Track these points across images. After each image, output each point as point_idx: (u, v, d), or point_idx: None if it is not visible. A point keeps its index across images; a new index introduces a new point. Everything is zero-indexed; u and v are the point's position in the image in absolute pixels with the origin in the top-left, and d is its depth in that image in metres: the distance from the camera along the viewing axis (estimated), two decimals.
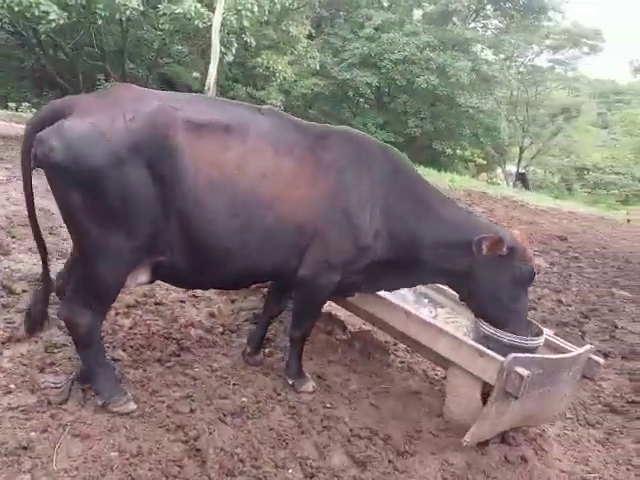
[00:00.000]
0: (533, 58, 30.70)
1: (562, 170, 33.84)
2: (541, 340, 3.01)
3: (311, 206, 2.79)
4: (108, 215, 2.34)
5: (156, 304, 3.89)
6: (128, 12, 13.28)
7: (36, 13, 12.60)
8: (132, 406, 2.64)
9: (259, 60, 17.02)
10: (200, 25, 13.57)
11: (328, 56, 22.14)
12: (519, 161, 33.19)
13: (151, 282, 2.79)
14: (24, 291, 3.66)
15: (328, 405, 3.06)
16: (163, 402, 2.76)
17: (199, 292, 4.24)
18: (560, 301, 6.42)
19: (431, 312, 3.84)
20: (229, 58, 15.07)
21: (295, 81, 20.03)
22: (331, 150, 2.90)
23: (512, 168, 33.81)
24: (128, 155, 2.28)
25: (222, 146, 2.57)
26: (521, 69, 30.72)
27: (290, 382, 3.18)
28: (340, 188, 2.85)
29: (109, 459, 2.28)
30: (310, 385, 3.19)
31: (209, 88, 12.48)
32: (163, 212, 2.42)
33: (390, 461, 2.68)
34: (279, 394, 3.04)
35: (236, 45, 15.06)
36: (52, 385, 2.66)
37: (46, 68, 16.90)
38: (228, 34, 14.49)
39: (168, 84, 19.28)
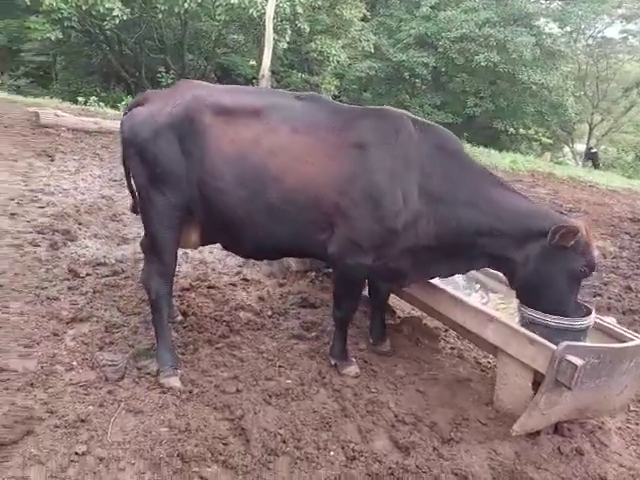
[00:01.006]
0: (603, 29, 28.57)
1: (636, 148, 31.53)
2: (589, 320, 2.83)
3: (327, 183, 2.79)
4: (154, 178, 2.82)
5: (209, 287, 4.03)
6: (186, 5, 13.65)
7: (101, 10, 13.24)
8: (176, 383, 2.79)
9: (313, 45, 16.95)
10: (254, 14, 13.73)
11: (383, 38, 21.66)
12: (588, 139, 31.19)
13: (202, 245, 3.23)
14: (88, 275, 3.89)
15: (373, 390, 3.05)
16: (211, 382, 2.86)
17: (249, 276, 4.34)
18: (629, 287, 6.01)
19: (483, 298, 3.72)
20: (283, 45, 15.12)
21: (349, 65, 19.79)
22: (357, 129, 2.88)
23: (581, 147, 31.88)
24: (166, 132, 2.76)
25: (244, 127, 2.80)
26: (590, 42, 28.71)
27: (333, 363, 3.21)
28: (362, 167, 2.80)
29: (159, 434, 2.40)
30: (353, 369, 3.20)
31: (263, 75, 12.57)
32: (187, 180, 2.81)
33: (435, 448, 2.64)
34: (324, 377, 3.07)
35: (290, 32, 15.08)
36: (110, 363, 2.82)
37: (112, 63, 17.64)
38: (281, 21, 14.53)
39: (226, 73, 19.66)
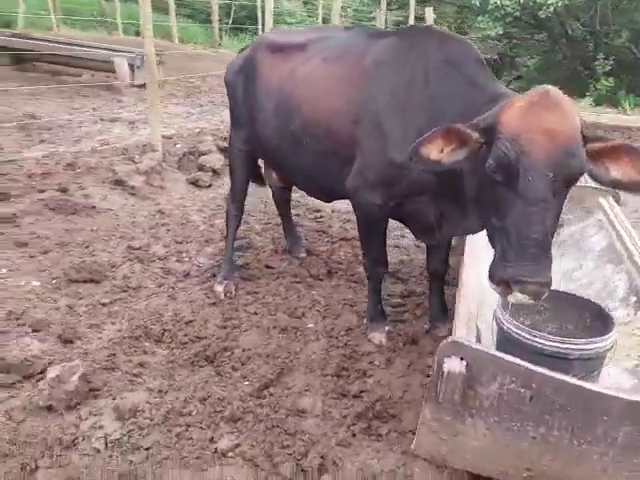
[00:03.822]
0: None
1: None
2: (605, 343, 1.59)
3: (342, 111, 2.58)
4: (231, 115, 3.38)
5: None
6: None
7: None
8: (218, 288, 3.33)
9: None
10: None
11: None
12: None
13: (284, 184, 3.76)
14: None
15: None
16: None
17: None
18: None
19: None
20: None
21: None
22: (375, 51, 2.56)
23: None
24: (238, 74, 3.23)
25: (287, 60, 2.93)
26: None
27: (365, 322, 2.98)
28: (373, 89, 2.48)
29: (160, 315, 3.12)
30: (378, 337, 2.87)
31: None
32: (248, 115, 3.14)
33: None
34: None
35: None
36: (198, 263, 3.69)
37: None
38: None
39: None
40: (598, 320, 1.98)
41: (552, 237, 1.75)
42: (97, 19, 16.59)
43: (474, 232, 2.47)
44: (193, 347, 2.77)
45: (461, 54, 2.29)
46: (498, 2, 12.89)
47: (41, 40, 10.45)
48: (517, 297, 1.69)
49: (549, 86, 1.75)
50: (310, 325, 3.09)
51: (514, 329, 1.83)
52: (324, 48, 2.81)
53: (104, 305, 3.10)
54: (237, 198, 3.51)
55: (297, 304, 3.29)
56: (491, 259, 1.83)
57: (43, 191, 4.36)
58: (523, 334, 1.80)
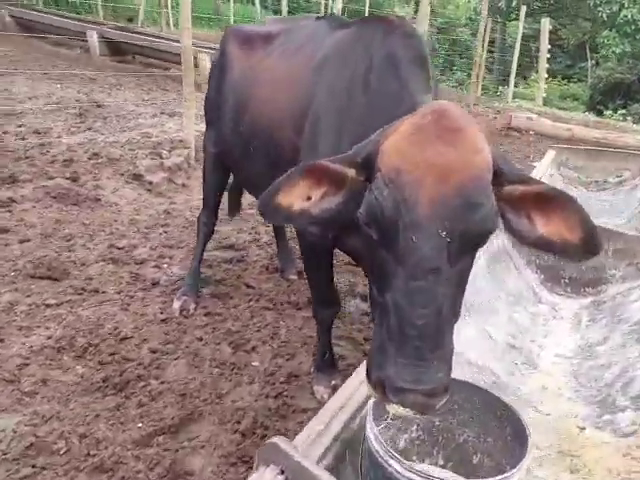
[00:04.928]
0: None
1: None
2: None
3: (286, 117, 2.15)
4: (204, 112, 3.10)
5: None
6: None
7: None
8: (175, 305, 3.04)
9: None
10: None
11: None
12: None
13: None
14: None
15: None
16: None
17: None
18: None
19: None
20: None
21: None
22: (328, 43, 2.13)
23: None
24: (214, 69, 2.94)
25: (249, 53, 2.64)
26: None
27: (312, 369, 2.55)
28: (315, 92, 2.03)
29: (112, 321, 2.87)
30: (322, 391, 2.44)
31: None
32: (216, 111, 2.83)
33: None
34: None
35: None
36: (170, 273, 3.42)
37: None
38: None
39: None
40: (516, 440, 1.39)
41: (453, 319, 1.21)
42: (212, 17, 17.38)
43: None
44: (109, 370, 2.48)
45: (402, 49, 1.76)
46: (629, 16, 11.51)
47: (142, 34, 11.13)
48: (395, 409, 1.17)
49: (445, 102, 1.23)
50: (255, 363, 2.69)
51: (382, 454, 1.28)
52: (286, 41, 2.44)
53: (48, 306, 2.92)
54: (207, 205, 3.18)
55: (253, 335, 2.91)
56: None
57: (53, 178, 4.35)
58: (394, 466, 1.25)
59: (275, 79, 2.31)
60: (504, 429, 1.44)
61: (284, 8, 15.14)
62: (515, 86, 14.03)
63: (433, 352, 1.14)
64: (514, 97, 13.35)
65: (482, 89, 14.25)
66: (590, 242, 1.19)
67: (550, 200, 1.20)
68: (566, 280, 3.19)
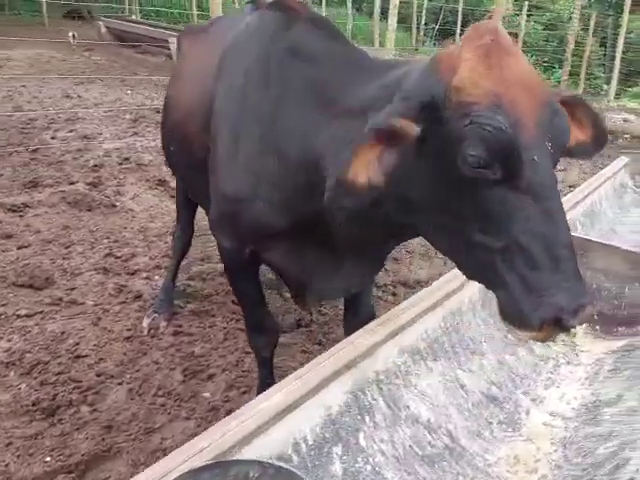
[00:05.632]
0: None
1: None
2: None
3: (196, 115, 1.94)
4: None
5: None
6: None
7: None
8: (144, 324, 2.88)
9: None
10: None
11: None
12: None
13: None
14: None
15: None
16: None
17: None
18: None
19: None
20: None
21: None
22: (238, 30, 1.87)
23: None
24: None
25: (190, 49, 2.49)
26: None
27: None
28: (218, 87, 1.79)
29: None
30: None
31: None
32: None
33: None
34: None
35: None
36: (154, 285, 3.27)
37: None
38: None
39: None
40: None
41: None
42: None
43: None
44: (43, 392, 2.35)
45: (305, 39, 1.55)
46: None
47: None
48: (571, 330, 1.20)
49: (484, 21, 1.23)
50: (205, 394, 2.44)
51: None
52: (213, 31, 2.30)
53: (18, 317, 2.87)
54: (179, 217, 2.99)
55: (216, 362, 2.66)
56: None
57: (73, 183, 4.42)
58: None
59: (192, 76, 2.13)
60: None
61: (376, 10, 14.84)
62: (629, 86, 12.58)
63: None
64: (624, 96, 11.94)
65: (590, 87, 13.01)
66: (601, 137, 1.33)
67: (565, 104, 1.21)
68: (595, 316, 2.57)
